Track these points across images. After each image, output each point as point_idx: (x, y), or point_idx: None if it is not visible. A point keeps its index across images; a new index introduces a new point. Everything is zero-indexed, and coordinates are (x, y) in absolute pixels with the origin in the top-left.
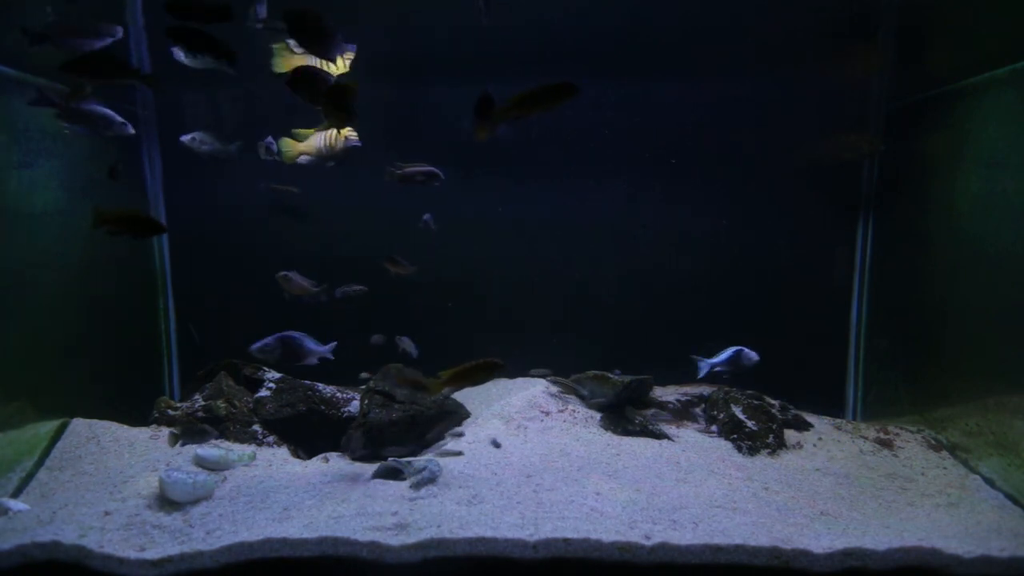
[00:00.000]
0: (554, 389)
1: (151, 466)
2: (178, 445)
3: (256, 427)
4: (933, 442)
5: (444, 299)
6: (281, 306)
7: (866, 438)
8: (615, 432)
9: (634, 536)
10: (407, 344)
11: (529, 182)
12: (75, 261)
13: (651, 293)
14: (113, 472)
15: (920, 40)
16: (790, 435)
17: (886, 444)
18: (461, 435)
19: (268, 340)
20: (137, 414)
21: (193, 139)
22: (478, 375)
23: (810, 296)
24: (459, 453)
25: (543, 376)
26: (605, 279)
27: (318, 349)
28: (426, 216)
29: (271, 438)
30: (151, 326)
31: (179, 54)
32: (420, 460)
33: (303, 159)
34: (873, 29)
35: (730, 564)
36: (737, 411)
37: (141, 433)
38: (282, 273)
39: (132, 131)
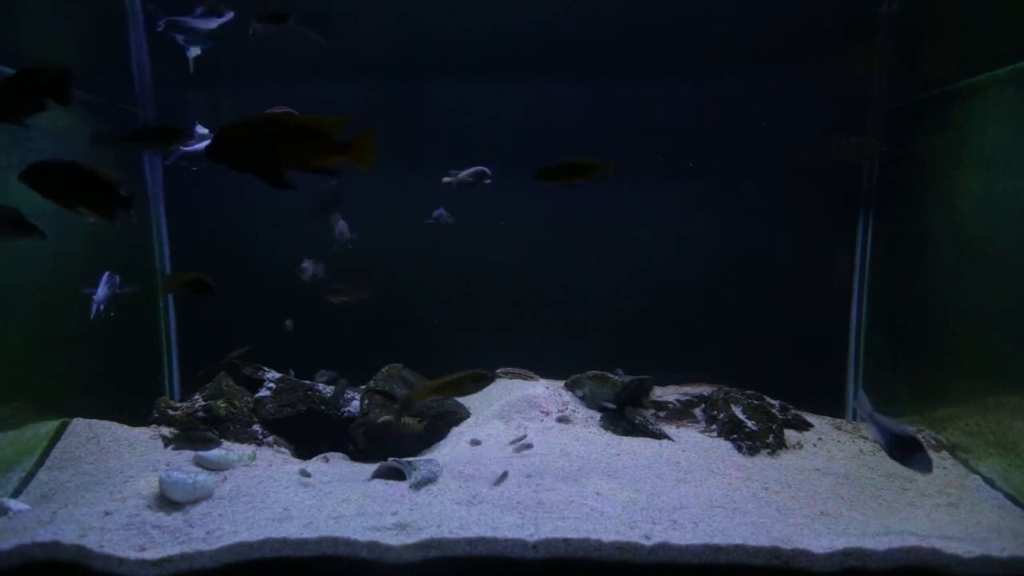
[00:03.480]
0: (545, 390)
1: (151, 466)
2: (170, 448)
3: (256, 427)
4: (933, 442)
5: (445, 298)
6: (281, 306)
7: (866, 438)
8: (615, 432)
9: (634, 536)
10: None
11: (529, 182)
12: (75, 261)
13: (651, 293)
14: (113, 472)
15: (920, 40)
16: (790, 435)
17: None
18: (478, 443)
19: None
20: (137, 414)
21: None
22: (465, 386)
23: (810, 296)
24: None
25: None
26: (605, 279)
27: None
28: (436, 212)
29: (271, 438)
30: (151, 326)
31: (191, 51)
32: (420, 460)
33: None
34: (873, 29)
35: (730, 564)
36: (737, 411)
37: (141, 433)
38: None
39: None
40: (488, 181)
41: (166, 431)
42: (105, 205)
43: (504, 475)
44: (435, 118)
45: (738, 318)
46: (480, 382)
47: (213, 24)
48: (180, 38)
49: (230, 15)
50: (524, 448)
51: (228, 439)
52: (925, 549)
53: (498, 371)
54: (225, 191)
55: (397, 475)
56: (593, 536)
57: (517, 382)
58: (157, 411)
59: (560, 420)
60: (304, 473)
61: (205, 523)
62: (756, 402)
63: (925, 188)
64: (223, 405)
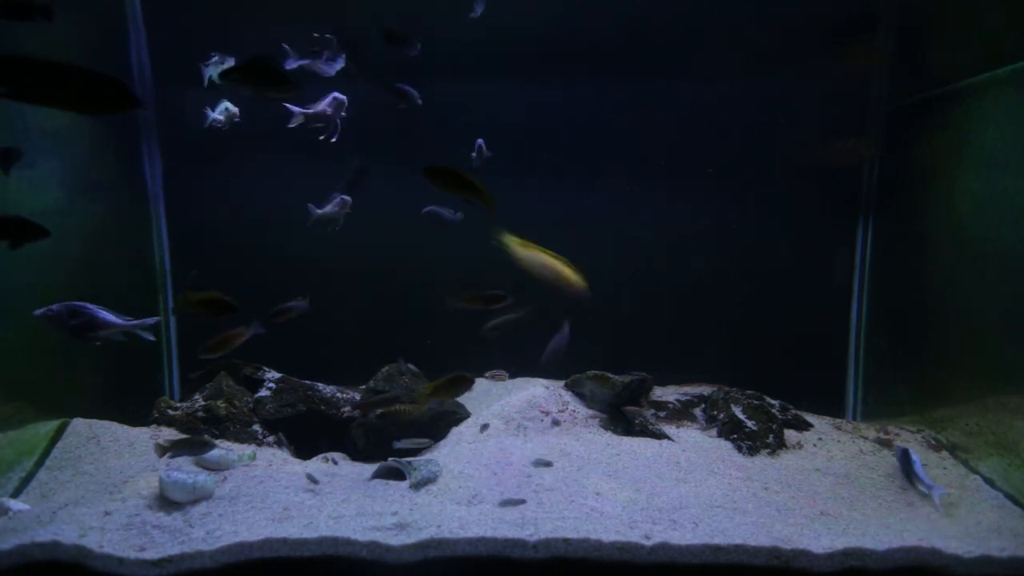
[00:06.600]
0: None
1: (151, 466)
2: (166, 457)
3: (256, 427)
4: (933, 442)
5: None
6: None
7: (866, 438)
8: (615, 432)
9: (634, 536)
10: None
11: (530, 183)
12: (75, 261)
13: (652, 293)
14: (113, 472)
15: (920, 40)
16: (790, 435)
17: (886, 444)
18: (488, 426)
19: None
20: (137, 414)
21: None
22: (455, 388)
23: (810, 296)
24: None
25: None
26: (605, 279)
27: (116, 322)
28: (427, 208)
29: (271, 438)
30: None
31: (209, 71)
32: (420, 460)
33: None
34: (873, 29)
35: (730, 564)
36: (737, 411)
37: (141, 433)
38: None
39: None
40: (489, 155)
41: (162, 436)
42: None
43: (522, 501)
44: (435, 118)
45: (738, 318)
46: (464, 384)
47: (333, 68)
48: (209, 57)
49: (341, 61)
50: (543, 464)
51: (228, 439)
52: (925, 549)
53: (485, 375)
54: (225, 190)
55: (397, 475)
56: (593, 536)
57: (518, 382)
58: (157, 411)
59: (560, 420)
60: (312, 479)
61: (205, 523)
62: (756, 402)
63: (925, 188)
64: (223, 405)
